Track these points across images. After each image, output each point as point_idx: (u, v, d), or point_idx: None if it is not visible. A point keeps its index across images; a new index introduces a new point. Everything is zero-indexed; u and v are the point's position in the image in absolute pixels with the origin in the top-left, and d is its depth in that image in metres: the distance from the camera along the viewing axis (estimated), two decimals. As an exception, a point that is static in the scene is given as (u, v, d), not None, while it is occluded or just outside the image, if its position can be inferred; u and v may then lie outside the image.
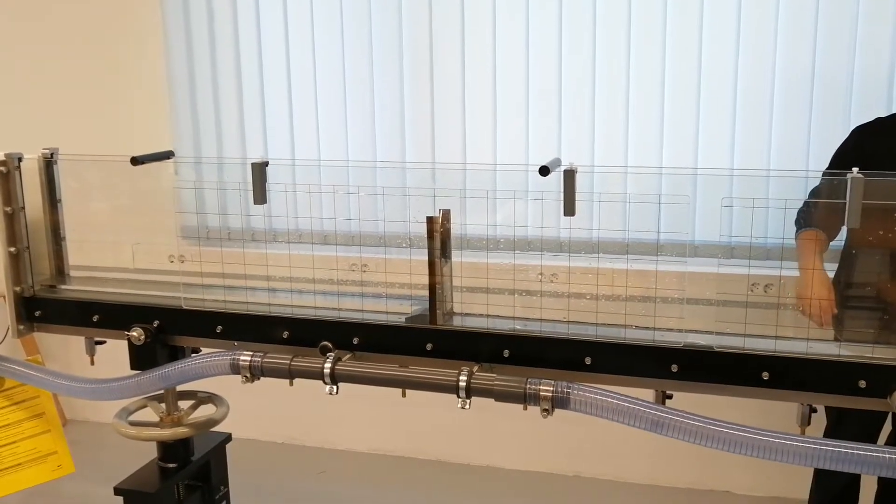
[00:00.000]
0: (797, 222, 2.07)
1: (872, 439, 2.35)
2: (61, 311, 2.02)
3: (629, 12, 2.90)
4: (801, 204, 1.98)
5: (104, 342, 2.03)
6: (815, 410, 1.64)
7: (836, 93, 2.77)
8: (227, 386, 1.95)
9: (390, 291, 1.82)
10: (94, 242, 2.20)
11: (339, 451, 3.55)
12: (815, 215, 2.05)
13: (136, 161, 1.86)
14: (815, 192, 2.09)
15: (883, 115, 2.44)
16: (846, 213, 1.52)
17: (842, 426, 2.33)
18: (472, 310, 1.76)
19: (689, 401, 1.56)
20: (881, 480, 2.52)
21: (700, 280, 1.72)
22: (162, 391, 1.99)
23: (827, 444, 1.42)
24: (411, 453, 3.48)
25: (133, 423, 2.02)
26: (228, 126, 3.41)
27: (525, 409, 1.58)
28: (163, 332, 1.90)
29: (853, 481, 2.54)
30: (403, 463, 3.45)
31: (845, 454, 1.41)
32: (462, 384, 1.57)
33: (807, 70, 2.78)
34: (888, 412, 1.99)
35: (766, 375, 1.53)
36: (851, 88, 2.76)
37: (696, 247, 2.41)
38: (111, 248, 2.20)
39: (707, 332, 1.60)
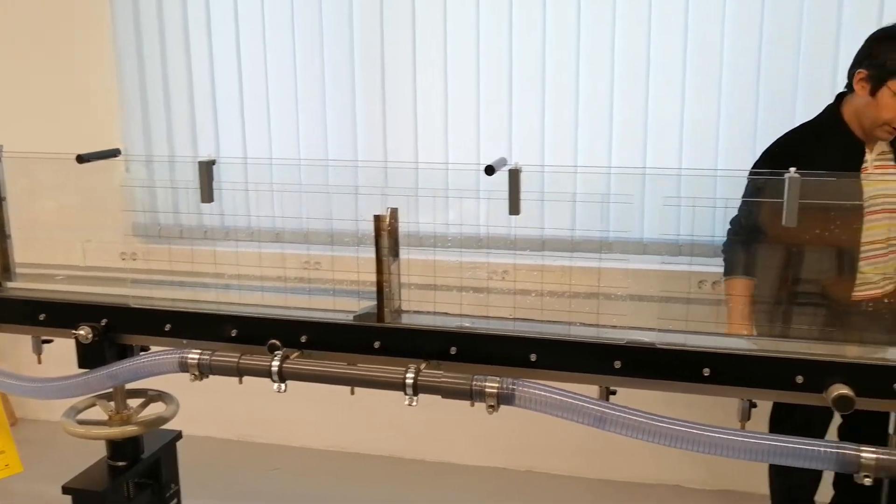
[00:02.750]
0: (726, 261, 2.06)
1: (821, 423, 2.37)
2: (6, 309, 1.99)
3: (578, 15, 2.93)
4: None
5: (51, 341, 2.01)
6: (755, 405, 1.69)
7: (781, 95, 2.83)
8: (181, 384, 1.94)
9: (341, 289, 1.83)
10: (44, 240, 2.17)
11: (293, 447, 3.54)
12: (744, 249, 2.04)
13: (81, 159, 1.84)
14: (736, 221, 2.12)
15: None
16: (784, 212, 1.57)
17: (787, 411, 2.35)
18: (421, 307, 1.77)
19: (639, 397, 1.59)
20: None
21: (645, 277, 1.76)
22: (111, 389, 1.97)
23: (765, 439, 1.47)
24: (365, 450, 3.49)
25: (81, 422, 2.00)
26: (179, 124, 3.38)
27: (472, 405, 1.60)
28: (111, 330, 1.88)
29: None
30: (357, 459, 3.46)
31: (784, 448, 1.46)
32: (409, 381, 1.59)
33: (752, 71, 2.84)
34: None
35: (706, 372, 1.57)
36: (796, 90, 2.82)
37: (645, 245, 2.46)
38: (62, 245, 2.18)
39: (650, 329, 1.64)
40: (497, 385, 1.56)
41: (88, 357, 1.89)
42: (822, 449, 1.44)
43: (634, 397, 1.58)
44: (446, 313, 1.73)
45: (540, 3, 2.95)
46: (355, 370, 1.66)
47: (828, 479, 2.59)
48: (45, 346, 2.03)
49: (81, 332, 1.86)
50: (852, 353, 1.58)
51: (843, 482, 2.54)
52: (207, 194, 1.75)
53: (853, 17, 2.72)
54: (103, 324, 1.88)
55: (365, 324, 1.71)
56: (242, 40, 3.26)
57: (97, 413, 2.04)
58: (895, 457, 1.43)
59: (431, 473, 3.35)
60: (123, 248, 2.04)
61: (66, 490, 1.95)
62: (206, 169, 1.73)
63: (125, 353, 1.93)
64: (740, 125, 2.88)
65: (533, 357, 1.63)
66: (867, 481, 1.43)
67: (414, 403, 1.60)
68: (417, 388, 1.59)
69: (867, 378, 1.50)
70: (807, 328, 1.73)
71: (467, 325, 1.69)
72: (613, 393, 1.65)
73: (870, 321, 2.17)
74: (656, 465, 3.19)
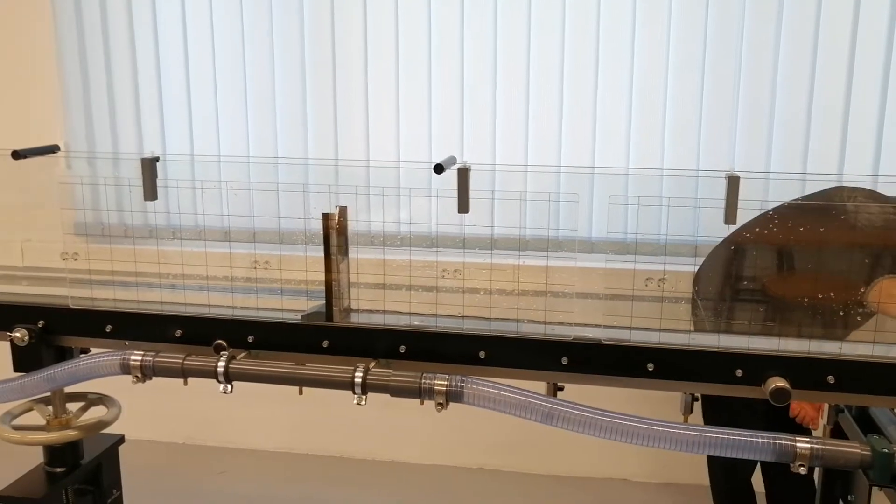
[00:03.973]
0: None
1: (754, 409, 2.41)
2: (-64, 311, 1.91)
3: (529, 13, 2.96)
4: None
5: (-15, 344, 1.94)
6: (697, 399, 1.73)
7: (725, 97, 2.91)
8: (123, 386, 1.89)
9: (289, 288, 1.81)
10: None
11: (241, 450, 3.50)
12: None
13: (17, 155, 1.78)
14: None
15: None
16: (725, 210, 1.62)
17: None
18: (370, 306, 1.76)
19: (587, 393, 1.61)
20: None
21: (591, 275, 1.79)
22: (49, 393, 1.92)
23: (705, 432, 1.51)
24: (314, 450, 3.46)
25: (17, 428, 1.94)
26: (124, 120, 3.30)
27: (421, 403, 1.61)
28: (49, 332, 1.83)
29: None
30: (307, 460, 3.43)
31: (723, 440, 1.50)
32: (358, 380, 1.58)
33: (696, 73, 2.91)
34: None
35: (651, 366, 1.60)
36: (738, 92, 2.90)
37: (593, 243, 2.49)
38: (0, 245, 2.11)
39: (596, 326, 1.66)
40: (446, 383, 1.56)
41: (24, 360, 1.83)
42: (759, 440, 1.49)
43: (582, 393, 1.61)
44: (396, 312, 1.73)
45: (491, 3, 2.97)
46: (303, 370, 1.64)
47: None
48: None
49: (17, 335, 1.80)
50: (790, 347, 1.63)
51: (772, 475, 2.62)
52: (151, 192, 1.71)
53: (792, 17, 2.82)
54: (40, 325, 1.82)
55: (313, 323, 1.70)
56: (190, 33, 3.20)
57: (34, 418, 1.98)
58: (829, 446, 1.49)
59: (382, 473, 3.35)
60: (65, 248, 1.98)
61: (0, 498, 1.89)
62: (150, 166, 1.70)
63: (64, 355, 1.87)
64: (686, 126, 2.95)
65: (482, 354, 1.64)
66: (802, 470, 1.48)
67: (363, 403, 1.59)
68: (366, 387, 1.59)
69: (803, 371, 1.54)
70: (747, 323, 1.77)
71: (416, 323, 1.69)
72: (561, 389, 1.67)
73: (807, 317, 2.24)
74: (604, 459, 3.25)
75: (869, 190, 2.26)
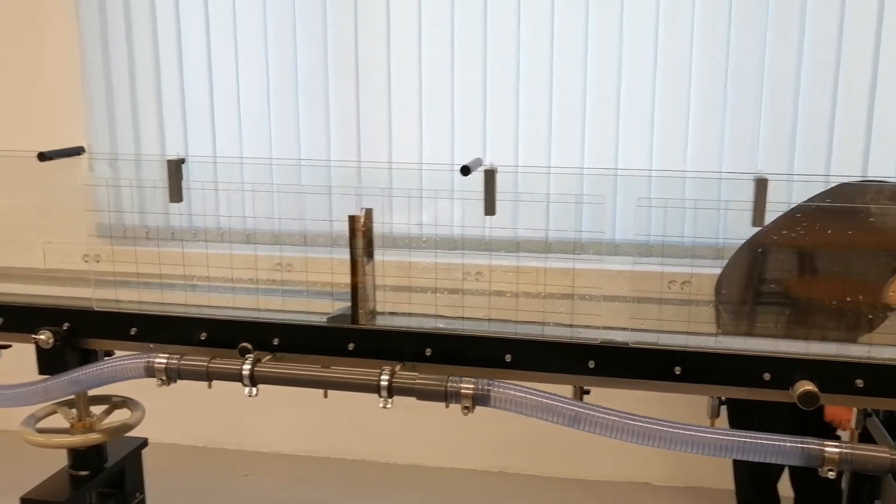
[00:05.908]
0: None
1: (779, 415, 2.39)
2: (-39, 314, 1.92)
3: (552, 16, 2.95)
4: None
5: (9, 346, 1.94)
6: (723, 402, 1.71)
7: (748, 98, 2.89)
8: (146, 389, 1.90)
9: (314, 290, 1.80)
10: (1, 242, 2.10)
11: (264, 453, 3.50)
12: None
13: (43, 157, 1.78)
14: None
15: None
16: (752, 213, 1.60)
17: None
18: (396, 309, 1.76)
19: (610, 396, 1.60)
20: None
21: (617, 278, 1.77)
22: (73, 396, 1.92)
23: (732, 436, 1.49)
24: (337, 454, 3.46)
25: (41, 431, 1.95)
26: (146, 122, 3.31)
27: (447, 406, 1.60)
28: (73, 334, 1.83)
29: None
30: (329, 463, 3.43)
31: (751, 444, 1.49)
32: (384, 384, 1.57)
33: (720, 75, 2.89)
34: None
35: (678, 370, 1.58)
36: (762, 93, 2.88)
37: (617, 245, 2.47)
38: (21, 247, 2.11)
39: (623, 329, 1.65)
40: (472, 386, 1.55)
41: (49, 363, 1.83)
42: (787, 444, 1.47)
43: (601, 397, 1.60)
44: (421, 314, 1.72)
45: (514, 4, 2.96)
46: (329, 373, 1.64)
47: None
48: (2, 351, 1.96)
49: (42, 337, 1.80)
50: (817, 350, 1.61)
51: (801, 480, 2.59)
52: (176, 194, 1.71)
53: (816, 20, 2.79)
54: (65, 328, 1.82)
55: (339, 325, 1.69)
56: (213, 34, 3.21)
57: (58, 421, 1.98)
58: (858, 451, 1.47)
59: (404, 476, 3.34)
60: (87, 250, 1.98)
61: (24, 501, 1.90)
62: (176, 167, 1.70)
63: (88, 357, 1.88)
64: (709, 128, 2.92)
65: (508, 357, 1.62)
66: (831, 475, 1.46)
67: (389, 406, 1.58)
68: (392, 390, 1.58)
69: (831, 374, 1.52)
70: (774, 327, 1.75)
71: (442, 326, 1.68)
72: (587, 392, 1.66)
73: (834, 320, 2.21)
74: (626, 463, 3.22)
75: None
